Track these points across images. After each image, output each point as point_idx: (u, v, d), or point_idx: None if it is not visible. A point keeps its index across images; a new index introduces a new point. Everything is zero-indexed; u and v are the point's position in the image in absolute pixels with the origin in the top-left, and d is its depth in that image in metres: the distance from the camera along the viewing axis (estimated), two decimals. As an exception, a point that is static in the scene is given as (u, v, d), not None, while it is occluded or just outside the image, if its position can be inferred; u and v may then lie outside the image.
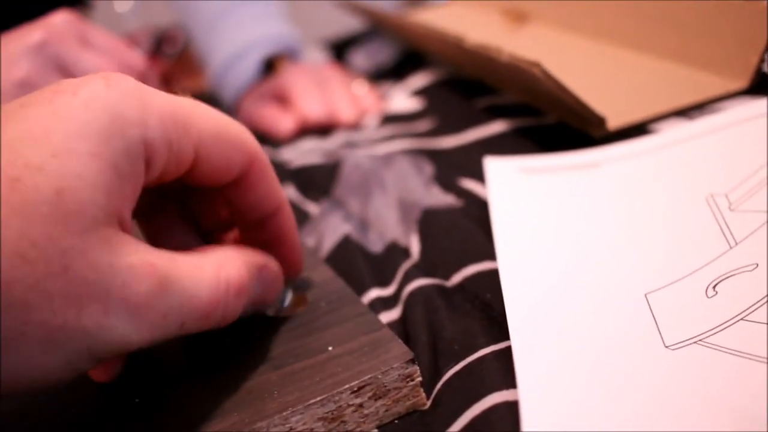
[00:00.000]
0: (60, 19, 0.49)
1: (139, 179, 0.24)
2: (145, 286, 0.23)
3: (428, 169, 0.47)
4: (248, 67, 0.70)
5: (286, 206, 0.31)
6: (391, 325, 0.33)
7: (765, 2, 0.47)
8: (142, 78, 0.55)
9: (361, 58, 0.80)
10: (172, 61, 2.23)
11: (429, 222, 0.41)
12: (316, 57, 0.82)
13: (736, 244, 0.32)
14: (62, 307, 0.21)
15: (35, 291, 0.20)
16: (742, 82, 0.47)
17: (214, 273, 0.26)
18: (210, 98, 0.77)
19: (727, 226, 0.34)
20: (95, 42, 0.51)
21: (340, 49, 0.84)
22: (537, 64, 0.42)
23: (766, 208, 0.33)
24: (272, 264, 0.30)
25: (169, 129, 0.25)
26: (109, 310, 0.22)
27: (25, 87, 0.47)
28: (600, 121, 0.44)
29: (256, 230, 0.31)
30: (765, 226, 0.32)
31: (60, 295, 0.21)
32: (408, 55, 0.76)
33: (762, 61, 0.47)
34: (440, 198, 0.43)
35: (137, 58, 0.54)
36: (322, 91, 0.64)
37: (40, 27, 0.48)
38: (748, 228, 0.33)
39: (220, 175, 0.28)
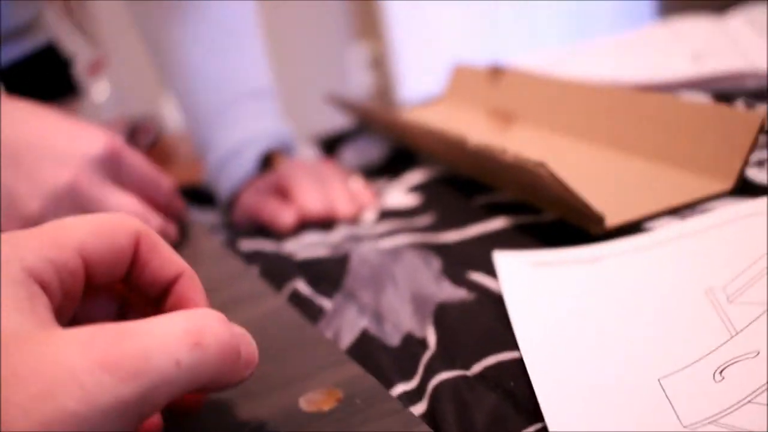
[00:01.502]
0: (95, 151, 0.51)
1: (42, 298, 0.26)
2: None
3: (436, 263, 0.50)
4: (247, 161, 0.72)
5: (187, 272, 0.32)
6: (421, 419, 0.35)
7: (749, 112, 0.51)
8: (174, 213, 0.57)
9: (350, 154, 0.83)
10: (145, 151, 2.26)
11: (444, 314, 0.43)
12: (308, 153, 0.85)
13: (737, 333, 0.35)
14: None
15: None
16: (727, 185, 0.50)
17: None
18: (193, 189, 0.80)
19: (727, 317, 0.36)
20: (127, 173, 0.53)
21: (329, 146, 0.87)
22: (542, 165, 0.45)
23: (760, 300, 0.36)
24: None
25: (45, 251, 0.27)
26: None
27: (33, 223, 0.49)
28: (599, 219, 0.47)
29: (162, 305, 0.32)
30: (762, 316, 0.35)
31: None
32: (397, 153, 0.79)
33: (745, 165, 0.50)
34: (452, 292, 0.45)
35: (166, 187, 0.56)
36: (320, 186, 0.67)
37: (70, 166, 0.50)
38: (747, 318, 0.36)
39: (114, 265, 0.29)
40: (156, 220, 0.54)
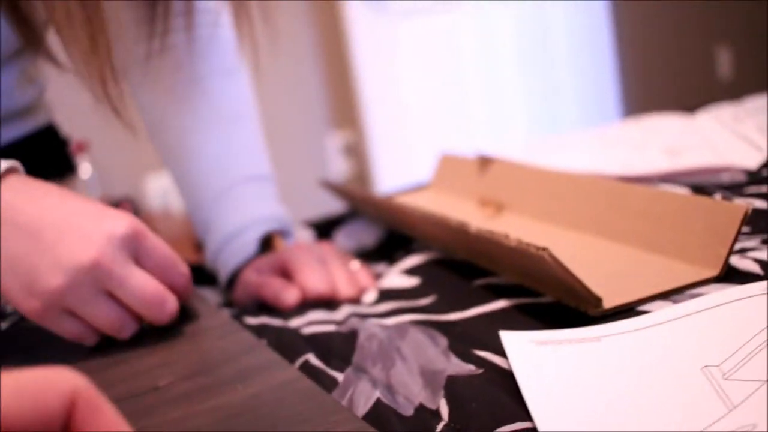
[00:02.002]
0: (120, 231, 0.53)
1: None
2: None
3: (442, 340, 0.52)
4: (248, 242, 0.75)
5: None
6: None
7: (734, 202, 0.55)
8: (185, 296, 0.59)
9: (344, 239, 0.86)
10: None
11: (455, 387, 0.45)
12: (305, 235, 0.87)
13: (734, 407, 0.38)
14: None
15: None
16: (714, 271, 0.54)
17: None
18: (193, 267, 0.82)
19: (724, 392, 0.39)
20: (148, 255, 0.55)
21: (322, 231, 0.90)
22: (545, 249, 0.48)
23: (756, 377, 0.39)
24: None
25: None
26: None
27: (54, 298, 0.51)
28: (597, 301, 0.50)
29: None
30: (758, 391, 0.38)
31: None
32: (391, 237, 0.82)
33: (730, 253, 0.54)
34: (461, 366, 0.48)
35: (184, 275, 0.58)
36: (322, 266, 0.69)
37: (95, 244, 0.52)
38: (743, 393, 0.39)
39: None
40: (173, 303, 0.56)
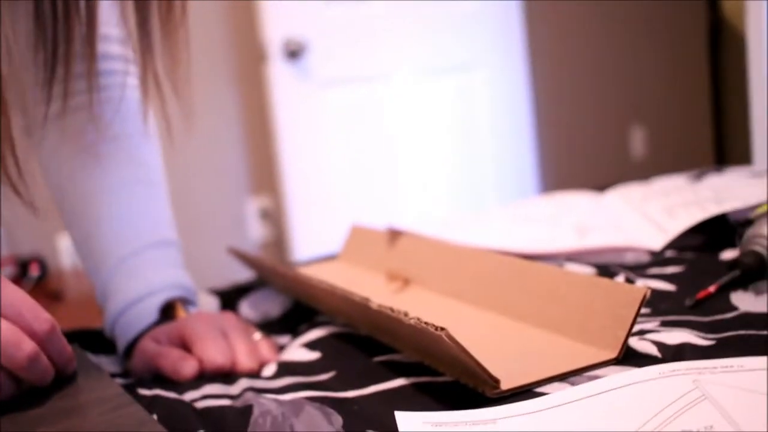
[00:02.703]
0: None
1: None
2: None
3: (336, 419, 0.51)
4: (148, 311, 0.72)
5: None
6: None
7: (633, 286, 0.55)
8: (43, 343, 0.56)
9: (249, 308, 0.84)
10: (32, 285, 2.22)
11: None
12: (209, 302, 0.85)
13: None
14: None
15: None
16: (613, 353, 0.54)
17: None
18: (90, 333, 0.79)
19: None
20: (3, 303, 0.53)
21: (229, 298, 0.88)
22: (443, 329, 0.47)
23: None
24: None
25: None
26: None
27: None
28: (495, 382, 0.49)
29: None
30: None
31: None
32: (296, 308, 0.81)
33: (628, 335, 0.54)
34: (354, 448, 0.46)
35: (46, 320, 0.56)
36: (222, 338, 0.68)
37: None
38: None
39: None
40: (29, 345, 0.53)
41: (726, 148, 3.96)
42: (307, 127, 2.88)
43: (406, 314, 0.51)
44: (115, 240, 0.76)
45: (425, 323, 0.49)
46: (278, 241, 3.00)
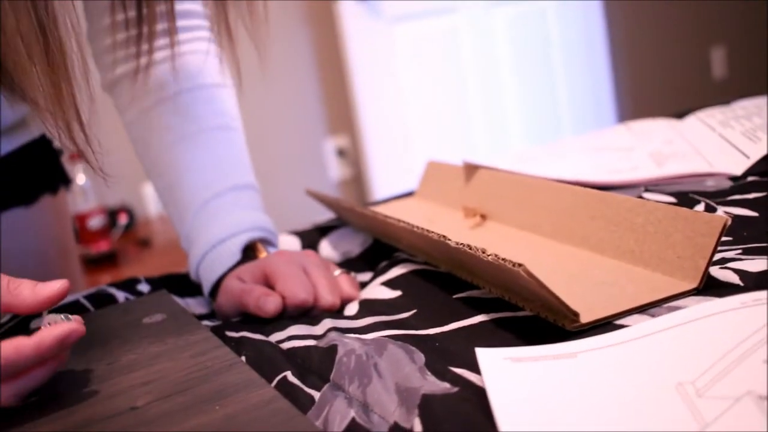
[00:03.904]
0: None
1: None
2: None
3: (419, 356, 0.52)
4: (230, 253, 0.75)
5: None
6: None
7: (713, 214, 0.54)
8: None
9: (329, 248, 0.86)
10: (121, 233, 2.29)
11: (429, 406, 0.45)
12: (290, 242, 0.87)
13: (707, 425, 0.38)
14: None
15: None
16: (693, 283, 0.54)
17: None
18: (177, 278, 0.82)
19: (698, 410, 0.39)
20: None
21: (309, 239, 0.89)
22: (521, 265, 0.48)
23: (728, 394, 0.39)
24: None
25: None
26: None
27: None
28: (574, 316, 0.50)
29: None
30: (730, 409, 0.38)
31: None
32: (376, 246, 0.82)
33: (709, 265, 0.54)
34: (436, 384, 0.47)
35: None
36: (303, 274, 0.69)
37: None
38: (716, 411, 0.38)
39: None
40: None
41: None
42: (381, 65, 2.88)
43: (483, 251, 0.52)
44: (197, 186, 0.78)
45: (503, 259, 0.49)
46: (357, 180, 3.02)
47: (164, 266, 1.78)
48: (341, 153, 3.00)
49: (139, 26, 0.73)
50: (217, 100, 0.82)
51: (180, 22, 0.78)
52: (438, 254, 0.66)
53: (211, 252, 0.76)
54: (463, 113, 3.06)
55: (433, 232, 0.59)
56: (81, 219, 2.05)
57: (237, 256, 0.75)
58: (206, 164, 0.79)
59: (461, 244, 0.55)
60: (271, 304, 0.67)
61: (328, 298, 0.68)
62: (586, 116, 3.32)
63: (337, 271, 0.72)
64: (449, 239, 0.56)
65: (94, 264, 2.05)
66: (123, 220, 2.36)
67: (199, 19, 0.84)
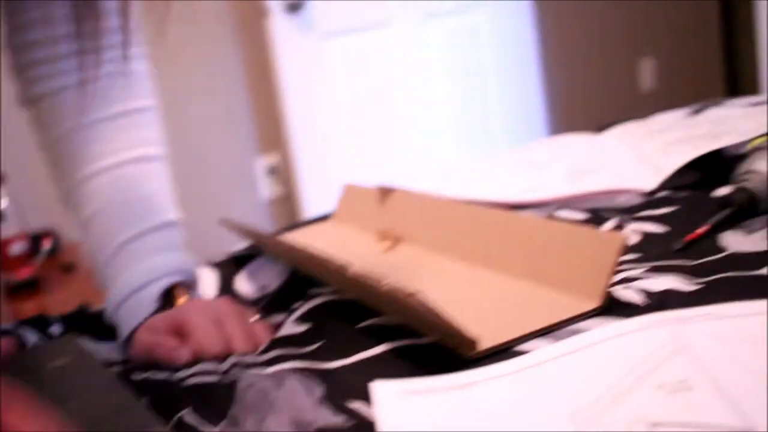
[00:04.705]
0: None
1: None
2: None
3: (318, 389, 0.51)
4: (147, 301, 0.72)
5: None
6: None
7: (612, 233, 0.54)
8: None
9: (246, 282, 0.84)
10: (44, 259, 2.23)
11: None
12: (208, 276, 0.85)
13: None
14: None
15: None
16: (595, 303, 0.53)
17: None
18: (94, 319, 0.79)
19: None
20: None
21: (226, 270, 0.87)
22: (414, 294, 0.47)
23: (623, 419, 0.38)
24: None
25: None
26: None
27: None
28: (472, 343, 0.49)
29: None
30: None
31: None
32: (291, 276, 0.80)
33: (609, 284, 0.53)
34: (332, 419, 0.46)
35: None
36: (217, 324, 0.67)
37: None
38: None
39: None
40: None
41: (737, 78, 3.89)
42: (312, 81, 2.86)
43: (380, 280, 0.51)
44: (116, 224, 0.76)
45: (398, 288, 0.48)
46: (288, 198, 3.00)
47: (88, 292, 1.73)
48: (272, 171, 2.98)
49: (79, 42, 0.71)
50: (140, 126, 0.79)
51: (105, 41, 0.75)
52: (343, 282, 0.65)
53: (128, 301, 0.73)
54: (397, 128, 3.06)
55: (334, 260, 0.58)
56: (2, 245, 2.00)
57: (153, 305, 0.72)
58: (124, 202, 0.76)
59: (359, 273, 0.53)
60: (181, 358, 0.65)
61: (242, 350, 0.66)
62: (519, 129, 3.34)
63: (253, 318, 0.71)
64: (349, 268, 0.55)
65: (17, 291, 1.99)
66: (47, 244, 2.29)
67: (129, 35, 0.79)
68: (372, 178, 2.73)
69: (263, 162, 2.97)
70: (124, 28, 0.79)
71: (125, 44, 0.79)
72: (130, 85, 0.79)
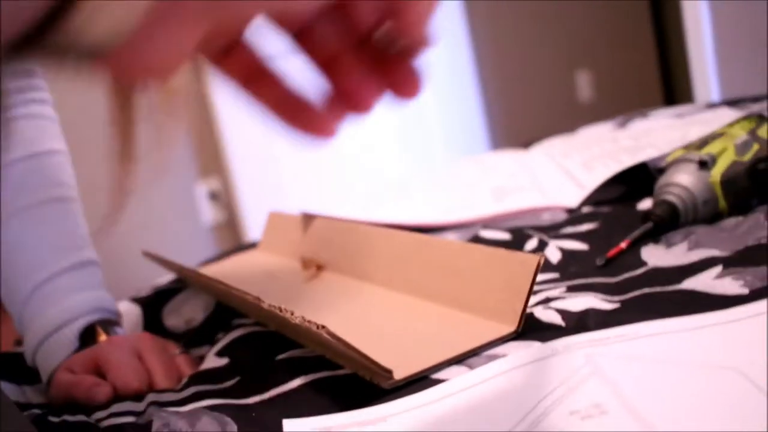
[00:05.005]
0: None
1: None
2: None
3: (231, 427, 0.49)
4: (66, 341, 0.70)
5: None
6: None
7: (527, 254, 0.53)
8: None
9: (171, 315, 0.82)
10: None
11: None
12: (131, 311, 0.83)
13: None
14: None
15: None
16: (512, 326, 0.52)
17: None
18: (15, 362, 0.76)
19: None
20: None
21: (151, 305, 0.85)
22: (323, 327, 0.45)
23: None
24: None
25: None
26: None
27: None
28: (387, 373, 0.48)
29: None
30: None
31: None
32: (216, 309, 0.78)
33: (525, 307, 0.52)
34: (242, 461, 0.45)
35: None
36: (137, 360, 0.66)
37: None
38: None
39: None
40: None
41: (673, 87, 3.96)
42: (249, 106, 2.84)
43: (292, 313, 0.50)
44: (30, 268, 0.73)
45: (308, 321, 0.47)
46: (231, 224, 2.97)
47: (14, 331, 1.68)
48: (213, 196, 2.95)
49: None
50: (51, 168, 0.77)
51: (14, 83, 0.73)
52: (260, 315, 0.63)
53: (47, 341, 0.71)
54: (336, 149, 3.05)
55: (249, 294, 0.57)
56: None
57: (73, 345, 0.70)
58: (39, 243, 0.74)
59: (273, 306, 0.52)
60: (101, 394, 0.63)
61: (163, 383, 0.64)
62: (459, 144, 3.36)
63: (175, 351, 0.69)
64: (262, 301, 0.54)
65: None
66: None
67: (35, 79, 0.78)
68: (313, 200, 2.72)
69: (204, 187, 2.94)
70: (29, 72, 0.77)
71: (31, 88, 0.78)
72: (39, 127, 0.77)
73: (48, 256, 0.74)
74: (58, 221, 0.76)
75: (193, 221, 2.93)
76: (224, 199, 2.96)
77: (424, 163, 3.27)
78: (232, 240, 2.97)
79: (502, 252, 0.56)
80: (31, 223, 0.74)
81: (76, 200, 0.78)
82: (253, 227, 2.81)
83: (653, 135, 0.95)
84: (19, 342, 0.82)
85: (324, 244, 0.78)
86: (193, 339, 0.75)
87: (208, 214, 2.96)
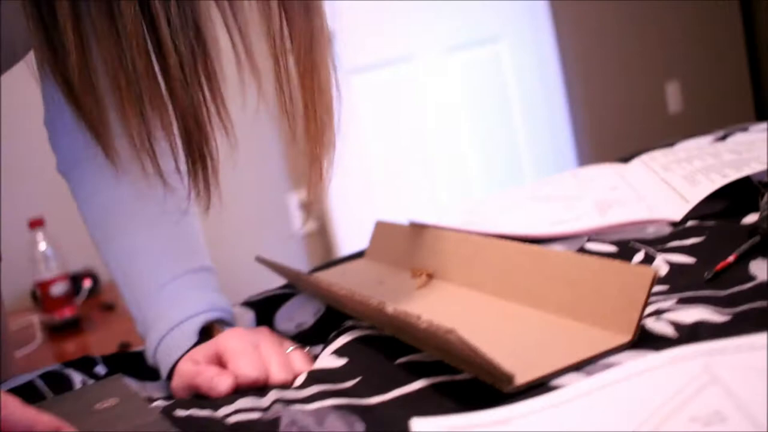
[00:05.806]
0: None
1: None
2: None
3: (359, 426, 0.52)
4: (186, 335, 0.74)
5: None
6: None
7: (643, 267, 0.55)
8: None
9: (283, 319, 0.86)
10: (84, 299, 2.27)
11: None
12: (245, 316, 0.87)
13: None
14: None
15: None
16: (627, 336, 0.54)
17: None
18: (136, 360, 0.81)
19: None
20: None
21: (262, 311, 0.89)
22: (452, 331, 0.48)
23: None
24: None
25: None
26: None
27: None
28: (509, 378, 0.50)
29: None
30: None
31: None
32: (327, 313, 0.82)
33: (641, 317, 0.54)
34: (373, 456, 0.47)
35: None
36: (255, 352, 0.69)
37: None
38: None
39: None
40: None
41: (765, 99, 3.88)
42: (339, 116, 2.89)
43: (419, 317, 0.52)
44: (154, 270, 0.79)
45: (436, 326, 0.50)
46: (322, 233, 3.02)
47: (128, 331, 1.76)
48: (305, 206, 3.01)
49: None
50: (173, 181, 0.82)
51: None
52: (379, 320, 0.66)
53: (167, 336, 0.75)
54: (424, 161, 3.08)
55: (372, 298, 0.60)
56: (43, 286, 2.04)
57: (193, 338, 0.75)
58: (163, 250, 0.79)
59: (398, 311, 0.55)
60: (223, 384, 0.67)
61: (280, 376, 0.67)
62: (546, 159, 3.35)
63: (290, 347, 0.72)
64: (387, 306, 0.57)
65: (58, 331, 2.03)
66: (87, 284, 2.34)
67: None
68: (401, 210, 2.75)
69: (296, 197, 3.00)
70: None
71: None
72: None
73: (170, 260, 0.79)
74: (180, 230, 0.81)
75: (286, 231, 2.99)
76: (316, 209, 3.02)
77: (510, 178, 3.27)
78: (324, 249, 3.02)
79: (616, 263, 0.58)
80: (155, 231, 0.80)
81: (194, 213, 0.83)
82: (345, 236, 2.85)
83: (756, 148, 0.95)
84: (123, 345, 0.87)
85: (433, 253, 0.80)
86: (306, 339, 0.79)
87: (301, 223, 3.02)
